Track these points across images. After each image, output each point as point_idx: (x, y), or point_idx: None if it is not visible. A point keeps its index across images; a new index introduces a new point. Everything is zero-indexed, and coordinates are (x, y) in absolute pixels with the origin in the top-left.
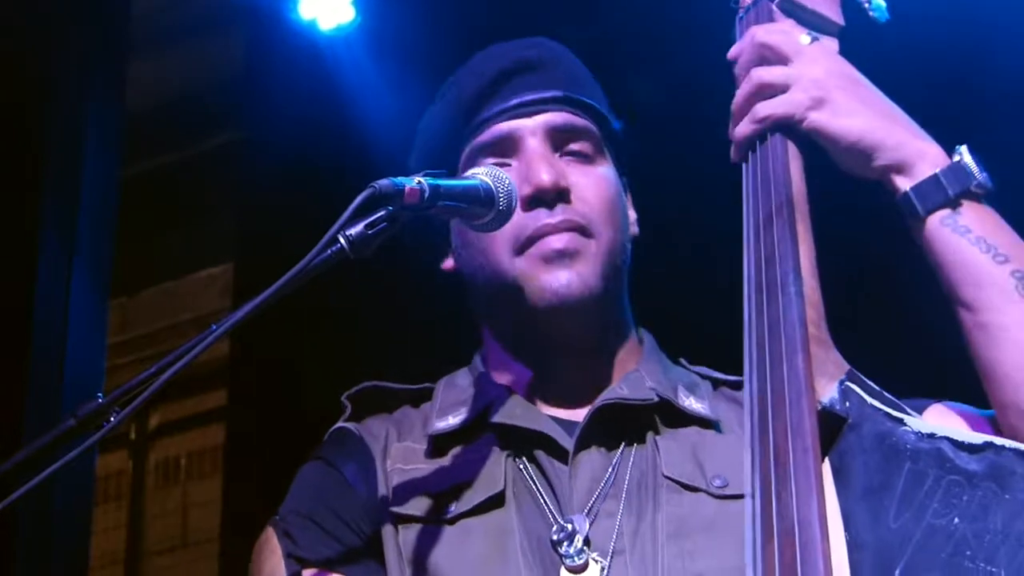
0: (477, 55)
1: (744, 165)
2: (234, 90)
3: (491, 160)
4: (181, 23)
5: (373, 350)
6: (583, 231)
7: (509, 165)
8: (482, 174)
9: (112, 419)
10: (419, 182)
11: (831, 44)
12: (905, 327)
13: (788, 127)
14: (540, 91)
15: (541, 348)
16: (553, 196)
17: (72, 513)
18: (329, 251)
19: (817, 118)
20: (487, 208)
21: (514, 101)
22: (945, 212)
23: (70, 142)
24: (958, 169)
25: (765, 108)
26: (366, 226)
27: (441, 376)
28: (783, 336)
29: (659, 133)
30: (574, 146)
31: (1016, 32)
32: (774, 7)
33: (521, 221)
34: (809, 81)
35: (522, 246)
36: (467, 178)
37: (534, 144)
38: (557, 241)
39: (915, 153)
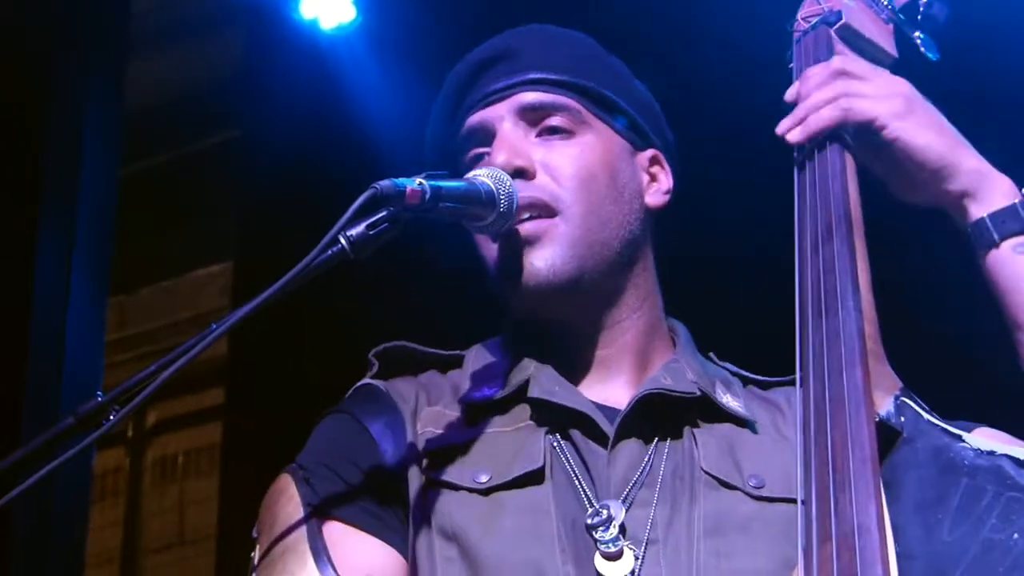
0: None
1: (797, 176)
2: (235, 89)
3: (474, 151)
4: (181, 21)
5: (371, 348)
6: (547, 209)
7: (489, 152)
8: (483, 175)
9: (112, 418)
10: (420, 183)
11: None
12: (941, 352)
13: (845, 143)
14: (510, 77)
15: (549, 329)
16: (513, 175)
17: (69, 510)
18: (330, 252)
19: (902, 127)
20: (489, 209)
21: (486, 90)
22: (1019, 240)
23: (69, 140)
24: None
25: (850, 101)
26: (367, 227)
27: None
28: (843, 348)
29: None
30: (551, 122)
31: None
32: (832, 32)
33: None
34: (895, 92)
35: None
36: (469, 180)
37: (506, 128)
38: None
39: (991, 182)
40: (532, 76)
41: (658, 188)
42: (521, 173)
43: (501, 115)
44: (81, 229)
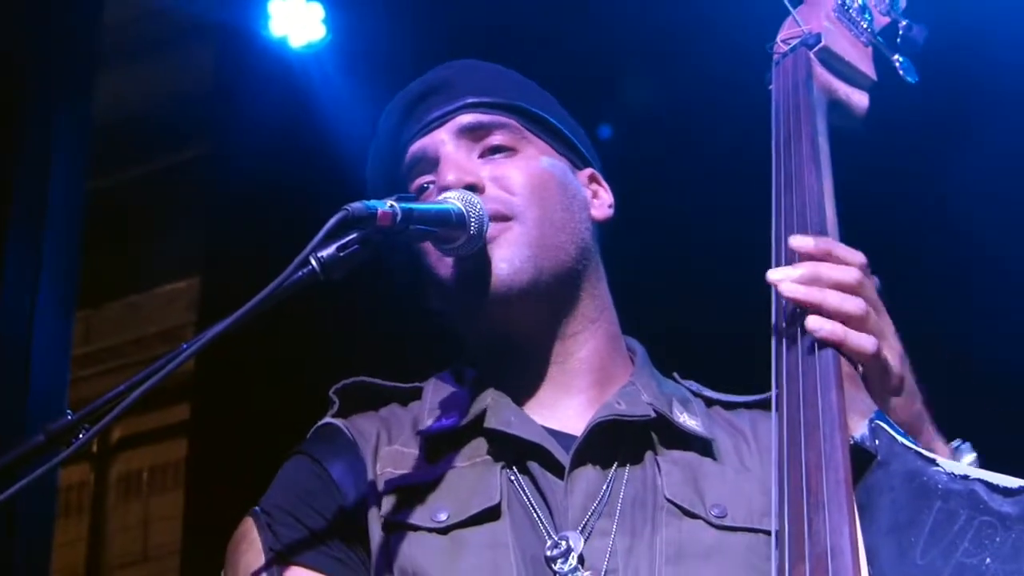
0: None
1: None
2: (204, 105)
3: (422, 179)
4: (151, 38)
5: (337, 366)
6: (500, 217)
7: (434, 180)
8: (453, 198)
9: (80, 436)
10: (391, 205)
11: (861, 98)
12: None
13: None
14: (447, 105)
15: (508, 343)
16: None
17: (34, 526)
18: (300, 273)
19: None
20: (459, 231)
21: (423, 120)
22: None
23: (38, 154)
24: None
25: (860, 340)
26: (338, 248)
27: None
28: (818, 370)
29: (656, 141)
30: (492, 141)
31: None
32: (812, 55)
33: None
34: (892, 350)
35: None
36: (439, 202)
37: (449, 150)
38: None
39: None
40: (469, 101)
41: (601, 202)
42: (471, 189)
43: (442, 139)
44: (48, 243)
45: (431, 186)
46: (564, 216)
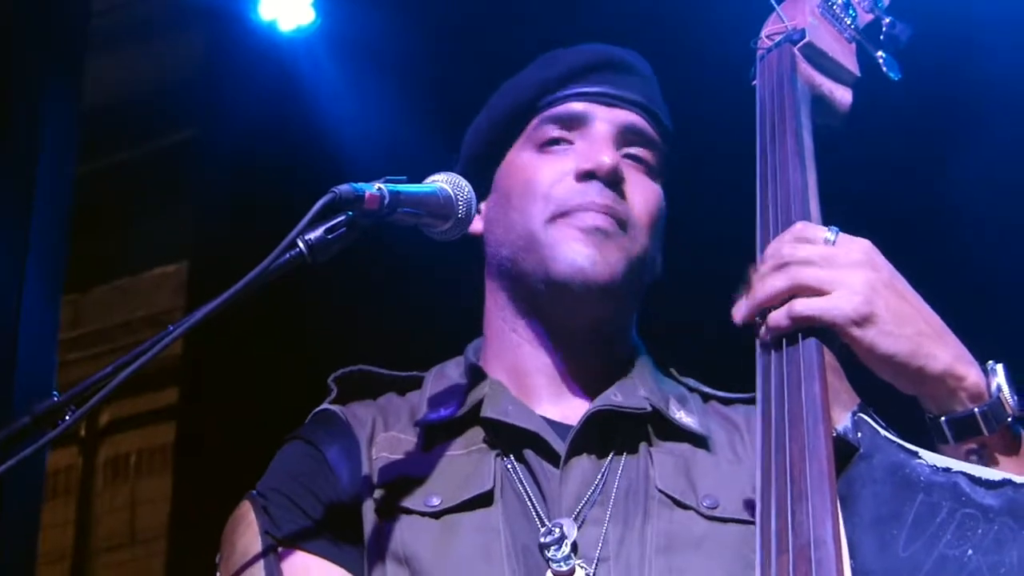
0: (569, 47)
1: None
2: (192, 89)
3: (555, 131)
4: (141, 21)
5: (324, 351)
6: (622, 223)
7: (571, 142)
8: (442, 181)
9: (67, 418)
10: (379, 188)
11: (845, 94)
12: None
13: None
14: (622, 89)
15: (547, 327)
16: (608, 180)
17: (22, 508)
18: (288, 255)
19: (862, 336)
20: (447, 215)
21: (596, 88)
22: (975, 444)
23: (26, 138)
24: (996, 406)
25: (805, 308)
26: (326, 231)
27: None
28: (801, 361)
29: None
30: (638, 151)
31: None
32: (796, 51)
33: (568, 191)
34: (852, 293)
35: (560, 214)
36: (427, 185)
37: (602, 129)
38: (596, 219)
39: (955, 382)
40: (638, 99)
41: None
42: (615, 183)
43: (603, 118)
44: (36, 227)
45: (563, 144)
46: (653, 253)
